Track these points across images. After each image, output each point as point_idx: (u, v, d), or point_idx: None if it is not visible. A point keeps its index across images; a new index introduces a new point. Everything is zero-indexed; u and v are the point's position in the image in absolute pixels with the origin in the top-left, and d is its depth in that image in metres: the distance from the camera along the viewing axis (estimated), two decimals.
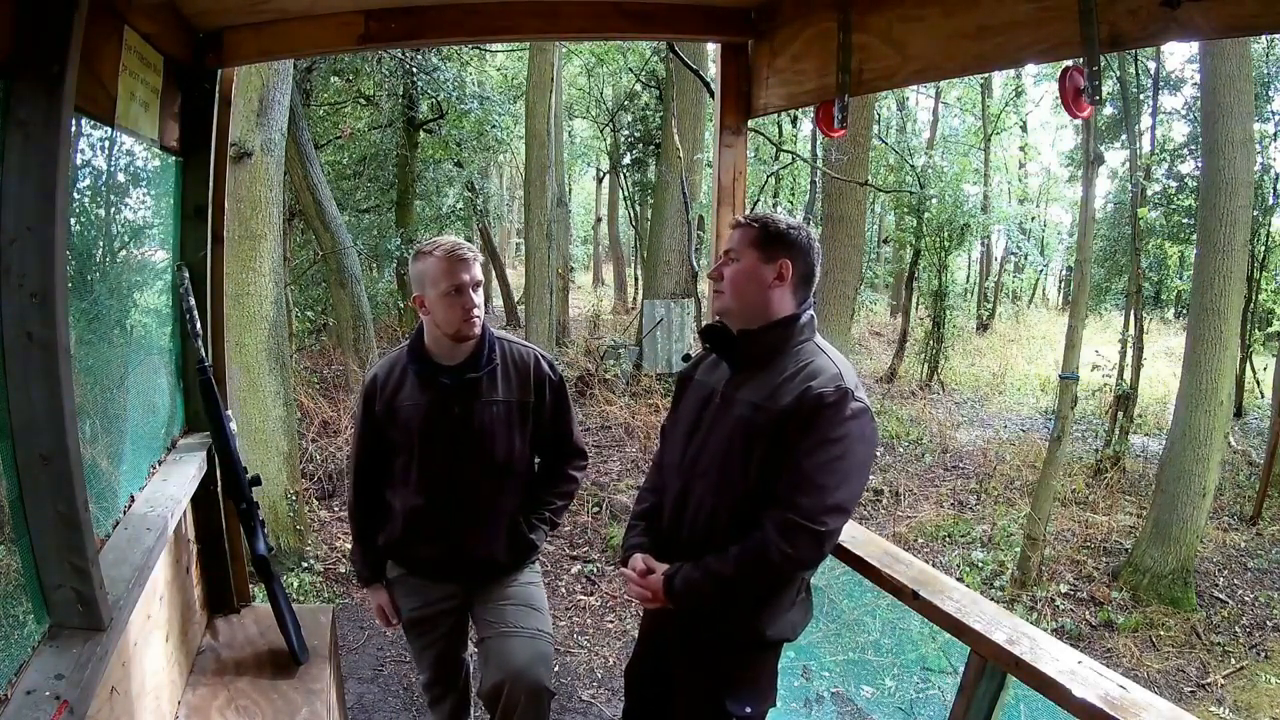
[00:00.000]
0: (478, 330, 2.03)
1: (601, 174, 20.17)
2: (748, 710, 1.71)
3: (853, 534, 1.99)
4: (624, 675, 2.02)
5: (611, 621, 4.33)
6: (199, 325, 2.00)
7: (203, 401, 2.05)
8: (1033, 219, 16.96)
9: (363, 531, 2.22)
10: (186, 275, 2.01)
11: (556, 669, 3.68)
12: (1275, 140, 9.17)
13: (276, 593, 2.09)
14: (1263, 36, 7.56)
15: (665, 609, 1.72)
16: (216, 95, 2.06)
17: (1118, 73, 8.51)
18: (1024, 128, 16.53)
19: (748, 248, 1.70)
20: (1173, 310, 15.56)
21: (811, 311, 1.73)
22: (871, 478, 7.00)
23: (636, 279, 16.68)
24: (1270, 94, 9.09)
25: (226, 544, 2.24)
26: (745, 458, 1.63)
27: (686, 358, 2.00)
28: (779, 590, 1.68)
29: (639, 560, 1.76)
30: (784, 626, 1.71)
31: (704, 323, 1.94)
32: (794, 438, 1.56)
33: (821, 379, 1.58)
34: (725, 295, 1.72)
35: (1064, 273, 19.80)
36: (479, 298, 2.01)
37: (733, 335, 1.73)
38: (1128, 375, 8.09)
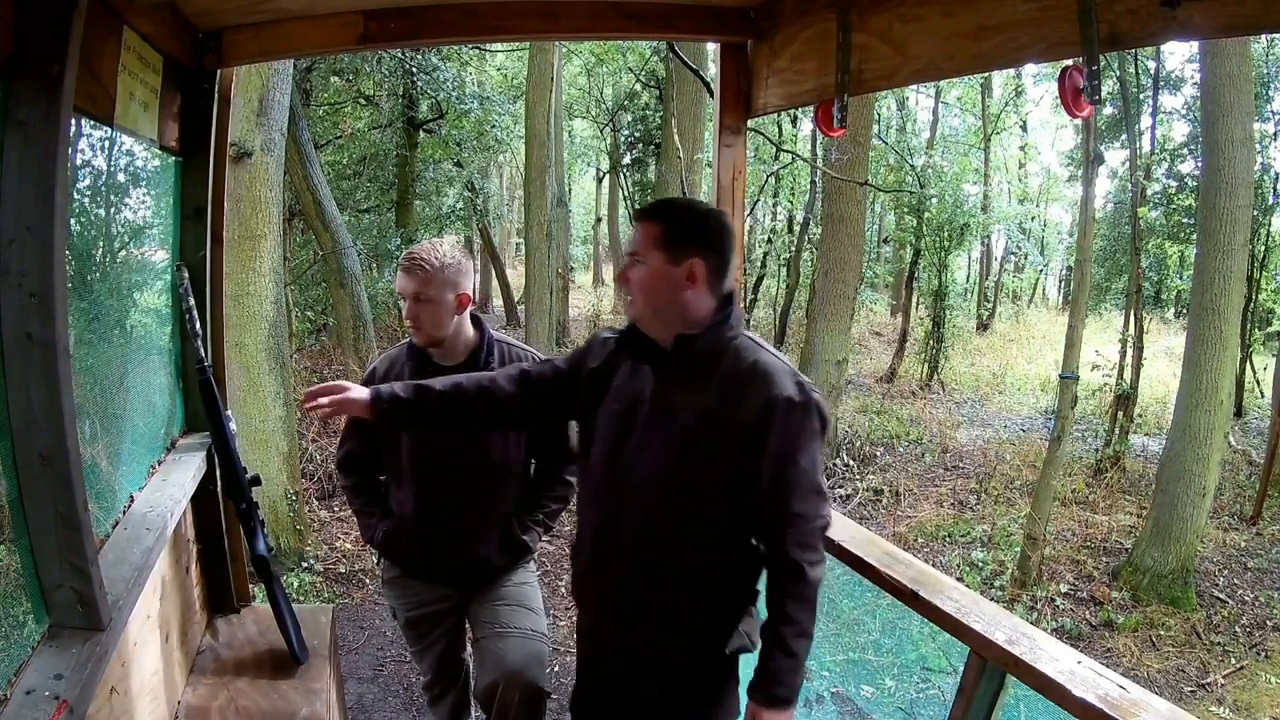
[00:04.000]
0: (420, 340, 2.04)
1: (601, 174, 20.15)
2: None
3: (853, 534, 1.99)
4: (570, 709, 1.88)
5: None
6: (199, 325, 2.00)
7: (203, 401, 2.05)
8: (1033, 219, 16.90)
9: (369, 505, 2.19)
10: (186, 275, 2.00)
11: (556, 669, 3.67)
12: (1275, 140, 9.16)
13: (276, 593, 2.09)
14: (1263, 36, 7.56)
15: (613, 632, 1.67)
16: (216, 95, 2.06)
17: (1118, 72, 8.51)
18: (1024, 127, 16.50)
19: (652, 249, 1.55)
20: (1173, 310, 15.52)
21: (735, 305, 1.62)
22: (871, 477, 7.07)
23: None
24: (1270, 94, 9.09)
25: (226, 544, 2.24)
26: (694, 469, 1.53)
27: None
28: (725, 606, 1.63)
29: None
30: (739, 638, 1.65)
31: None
32: (767, 445, 1.48)
33: (779, 381, 1.50)
34: (636, 302, 1.59)
35: (1064, 272, 19.77)
36: (422, 310, 1.98)
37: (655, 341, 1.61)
38: (1128, 375, 8.08)
